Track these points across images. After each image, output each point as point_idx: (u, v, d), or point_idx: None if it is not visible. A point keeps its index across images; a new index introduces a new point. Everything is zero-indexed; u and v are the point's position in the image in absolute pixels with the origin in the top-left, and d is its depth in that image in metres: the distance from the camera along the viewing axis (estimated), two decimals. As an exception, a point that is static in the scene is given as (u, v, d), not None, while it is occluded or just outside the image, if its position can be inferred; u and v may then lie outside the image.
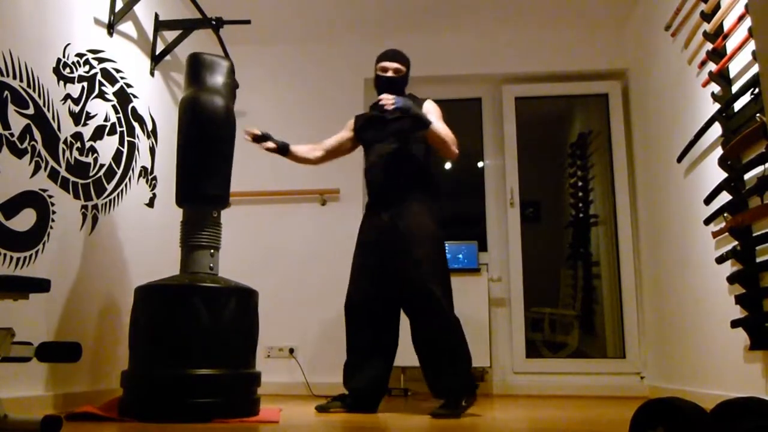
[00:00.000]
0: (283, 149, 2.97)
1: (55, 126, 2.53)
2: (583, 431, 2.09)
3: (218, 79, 2.64)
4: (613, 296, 4.14)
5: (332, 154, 3.13)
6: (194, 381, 2.27)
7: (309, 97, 4.32)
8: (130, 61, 3.17)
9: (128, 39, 3.18)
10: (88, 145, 2.75)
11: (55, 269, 2.47)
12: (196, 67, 2.64)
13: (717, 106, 2.75)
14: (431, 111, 2.84)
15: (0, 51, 2.22)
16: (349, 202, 4.12)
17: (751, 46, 2.47)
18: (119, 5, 3.03)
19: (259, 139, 2.89)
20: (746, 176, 2.53)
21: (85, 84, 2.76)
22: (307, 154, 3.08)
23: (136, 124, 3.21)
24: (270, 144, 2.92)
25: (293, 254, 4.07)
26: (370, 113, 2.98)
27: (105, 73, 2.93)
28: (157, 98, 3.46)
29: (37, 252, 2.37)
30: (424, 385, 2.78)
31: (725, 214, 2.66)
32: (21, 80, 2.32)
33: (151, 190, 3.34)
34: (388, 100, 2.61)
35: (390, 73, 2.89)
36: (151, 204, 3.34)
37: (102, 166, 2.87)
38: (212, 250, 2.58)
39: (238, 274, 3.29)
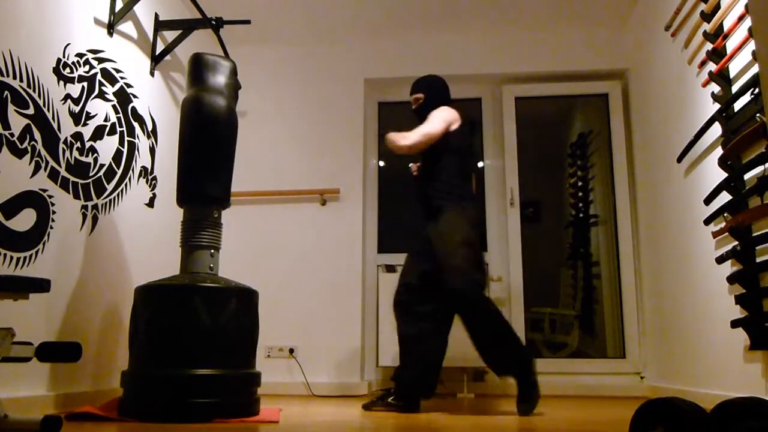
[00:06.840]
0: None
1: (55, 126, 2.53)
2: (583, 431, 2.09)
3: (220, 79, 2.64)
4: (613, 296, 4.13)
5: None
6: (194, 381, 2.27)
7: (309, 97, 4.32)
8: (130, 61, 3.17)
9: (128, 39, 3.18)
10: (88, 145, 2.75)
11: (55, 269, 2.47)
12: (199, 67, 2.64)
13: (717, 106, 2.75)
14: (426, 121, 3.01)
15: (0, 51, 2.23)
16: (349, 202, 4.12)
17: (751, 46, 2.47)
18: (119, 5, 3.03)
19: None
20: (746, 176, 2.53)
21: (85, 84, 2.76)
22: None
23: (136, 124, 3.21)
24: None
25: (293, 254, 4.07)
26: None
27: (105, 73, 2.93)
28: (157, 98, 3.46)
29: (37, 252, 2.37)
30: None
31: (725, 214, 2.66)
32: (21, 80, 2.32)
33: (151, 190, 3.34)
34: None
35: (414, 106, 3.15)
36: (151, 204, 3.34)
37: (102, 166, 2.87)
38: (212, 250, 2.58)
39: (238, 274, 3.31)
